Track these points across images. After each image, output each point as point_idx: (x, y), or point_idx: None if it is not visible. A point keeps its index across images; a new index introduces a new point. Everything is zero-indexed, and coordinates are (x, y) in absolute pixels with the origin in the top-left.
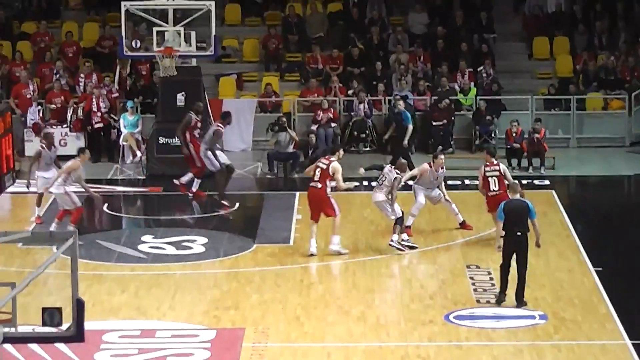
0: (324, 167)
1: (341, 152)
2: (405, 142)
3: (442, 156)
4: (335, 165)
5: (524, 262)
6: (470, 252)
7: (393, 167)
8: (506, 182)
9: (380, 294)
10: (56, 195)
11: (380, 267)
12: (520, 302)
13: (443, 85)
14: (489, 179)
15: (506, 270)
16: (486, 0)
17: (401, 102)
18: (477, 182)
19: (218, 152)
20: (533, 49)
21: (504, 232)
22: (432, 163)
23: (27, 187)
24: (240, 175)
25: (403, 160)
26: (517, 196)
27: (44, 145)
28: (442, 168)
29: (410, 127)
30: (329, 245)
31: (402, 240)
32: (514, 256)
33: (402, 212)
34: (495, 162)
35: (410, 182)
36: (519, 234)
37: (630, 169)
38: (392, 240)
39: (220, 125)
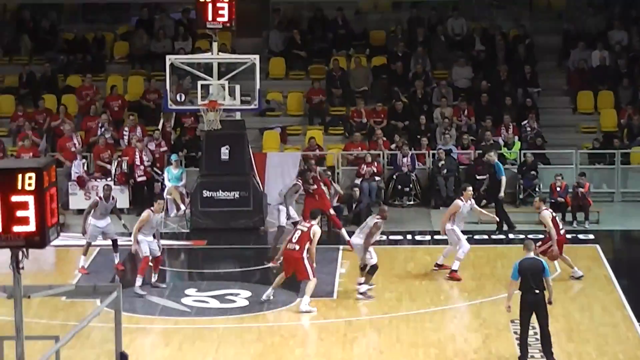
0: (305, 230)
1: (319, 218)
2: (502, 193)
3: (470, 188)
4: (316, 229)
5: (546, 319)
6: (515, 306)
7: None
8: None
9: (424, 348)
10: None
11: (424, 321)
12: (549, 357)
13: (487, 139)
14: (556, 219)
15: (526, 334)
16: (530, 54)
17: (492, 154)
18: (521, 236)
19: (291, 209)
20: (577, 103)
21: (516, 292)
22: (461, 197)
23: (83, 234)
24: (285, 229)
25: (384, 206)
26: (531, 254)
27: (101, 196)
28: (469, 200)
29: (504, 178)
30: (299, 306)
31: (365, 291)
32: (534, 316)
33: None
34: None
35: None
36: (537, 291)
37: None
38: (359, 292)
39: (299, 181)
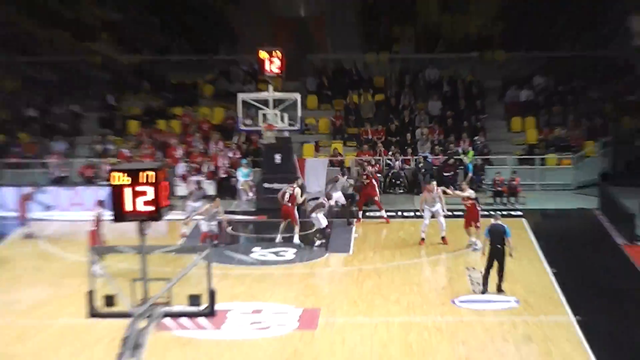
0: (292, 192)
1: (299, 181)
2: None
3: (434, 182)
4: (297, 190)
5: (502, 265)
6: (469, 258)
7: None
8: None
9: (410, 286)
10: (199, 223)
11: (409, 269)
12: (500, 290)
13: (451, 149)
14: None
15: (488, 272)
16: (481, 92)
17: (465, 157)
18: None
19: (334, 194)
20: (511, 125)
21: (487, 245)
22: (426, 187)
23: (184, 211)
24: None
25: (324, 198)
26: (498, 221)
27: (196, 187)
28: (436, 190)
29: (471, 174)
30: (294, 240)
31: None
32: (495, 262)
33: (327, 226)
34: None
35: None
36: (498, 246)
37: (575, 204)
38: (315, 244)
39: (339, 175)
